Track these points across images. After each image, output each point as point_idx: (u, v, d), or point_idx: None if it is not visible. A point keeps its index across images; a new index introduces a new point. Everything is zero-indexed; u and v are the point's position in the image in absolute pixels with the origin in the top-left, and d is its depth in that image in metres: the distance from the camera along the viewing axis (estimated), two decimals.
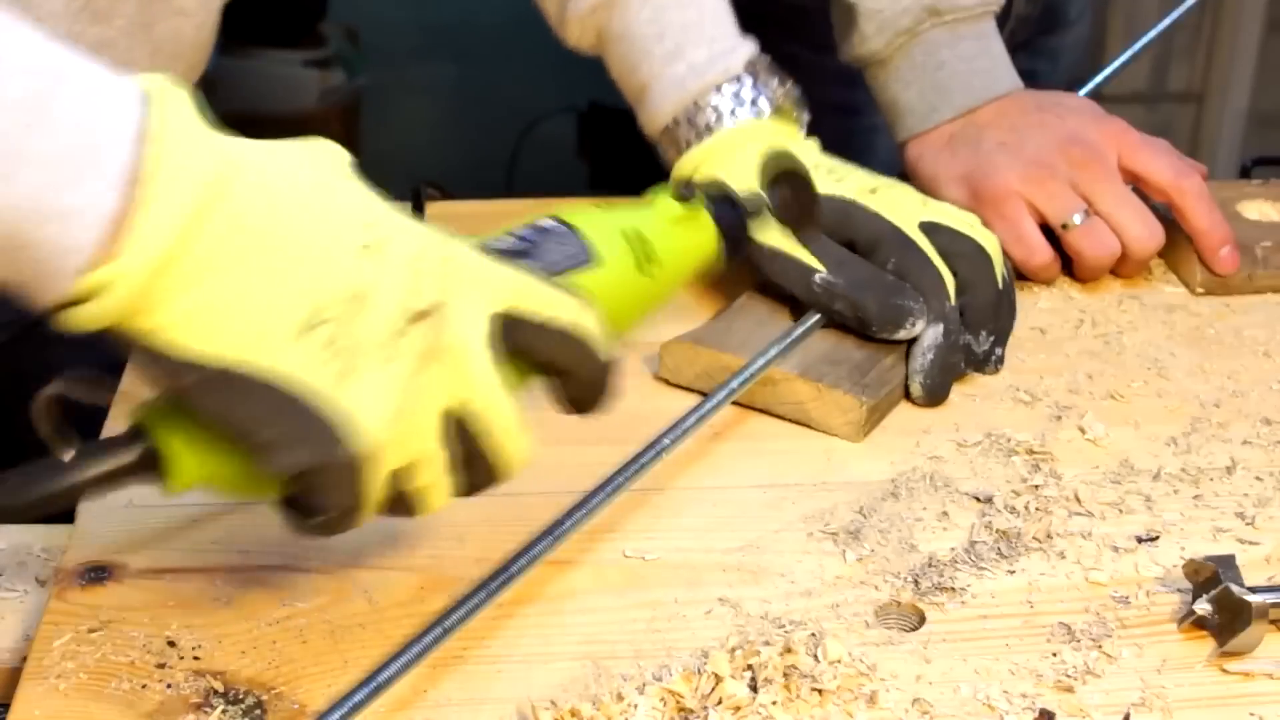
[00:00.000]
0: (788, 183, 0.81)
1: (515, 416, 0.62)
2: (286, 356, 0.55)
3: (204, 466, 0.58)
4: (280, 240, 0.54)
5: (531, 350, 0.63)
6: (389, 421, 0.57)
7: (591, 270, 0.68)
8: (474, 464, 0.62)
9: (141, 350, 0.54)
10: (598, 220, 0.69)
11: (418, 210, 1.06)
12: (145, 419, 0.58)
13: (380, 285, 0.57)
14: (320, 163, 0.58)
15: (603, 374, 0.66)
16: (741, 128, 0.93)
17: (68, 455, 0.56)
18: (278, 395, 0.55)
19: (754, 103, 0.94)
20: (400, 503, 0.61)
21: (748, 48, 0.96)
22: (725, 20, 0.97)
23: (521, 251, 0.67)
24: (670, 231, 0.72)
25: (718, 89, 0.94)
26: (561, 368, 0.64)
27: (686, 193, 0.73)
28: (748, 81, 0.94)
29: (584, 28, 0.98)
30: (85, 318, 0.52)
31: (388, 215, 0.58)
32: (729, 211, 0.76)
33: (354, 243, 0.56)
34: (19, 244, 0.50)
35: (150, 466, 0.58)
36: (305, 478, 0.57)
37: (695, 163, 0.94)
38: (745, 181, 0.86)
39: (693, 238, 0.74)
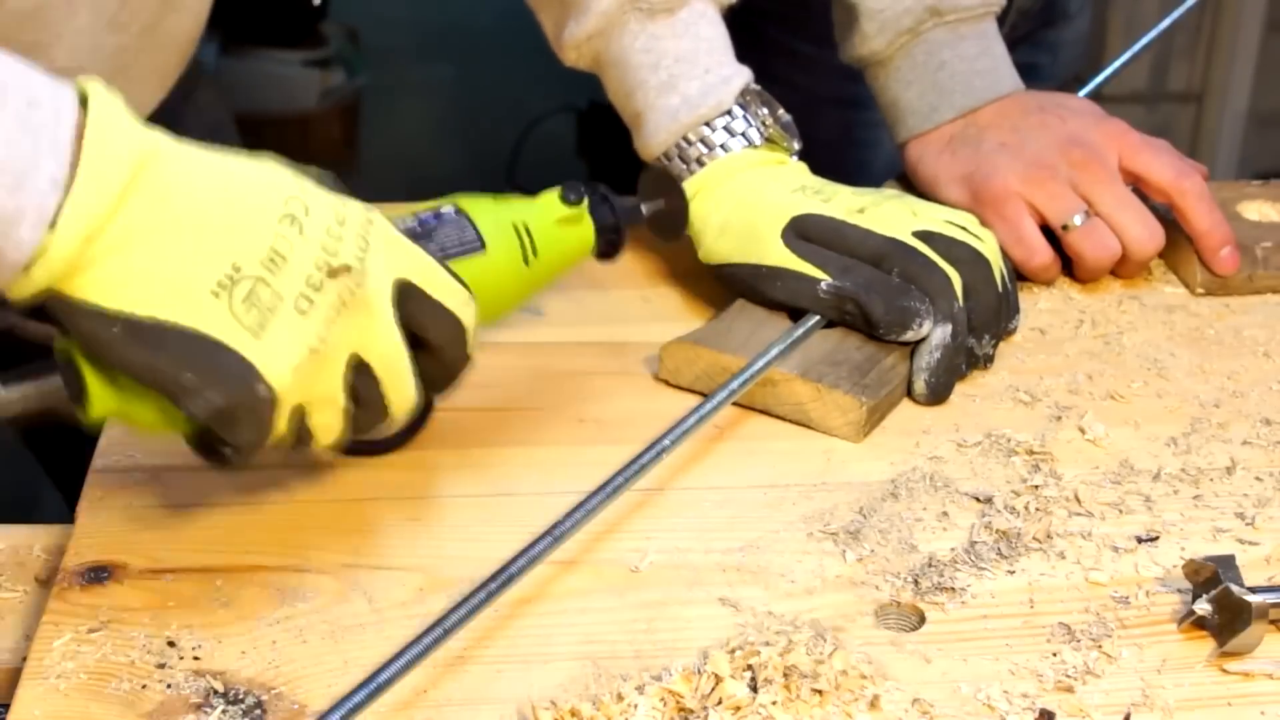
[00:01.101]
0: (662, 190, 0.86)
1: (410, 367, 0.68)
2: (203, 311, 0.61)
3: (119, 401, 0.63)
4: (201, 212, 0.61)
5: (415, 321, 0.68)
6: (299, 367, 0.63)
7: (481, 257, 0.75)
8: (368, 406, 0.68)
9: (69, 312, 0.60)
10: (492, 211, 0.76)
11: None
12: (67, 348, 0.63)
13: (299, 246, 0.63)
14: (257, 159, 0.65)
15: (463, 363, 0.71)
16: (731, 157, 0.94)
17: None
18: (193, 342, 0.61)
19: (744, 134, 0.95)
20: (298, 438, 0.66)
21: (741, 78, 0.96)
22: (720, 48, 0.97)
23: (421, 234, 0.75)
24: (554, 229, 0.78)
25: (708, 124, 0.95)
26: (434, 345, 0.69)
27: (575, 197, 0.79)
28: (739, 114, 0.95)
29: (580, 53, 0.98)
30: (22, 286, 0.58)
31: (312, 189, 0.65)
32: (609, 215, 0.81)
33: (275, 213, 0.63)
34: None
35: (72, 393, 0.63)
36: (218, 417, 0.62)
37: (687, 196, 0.95)
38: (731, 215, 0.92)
39: (573, 236, 0.80)
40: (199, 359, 0.61)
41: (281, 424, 0.64)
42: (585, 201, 0.79)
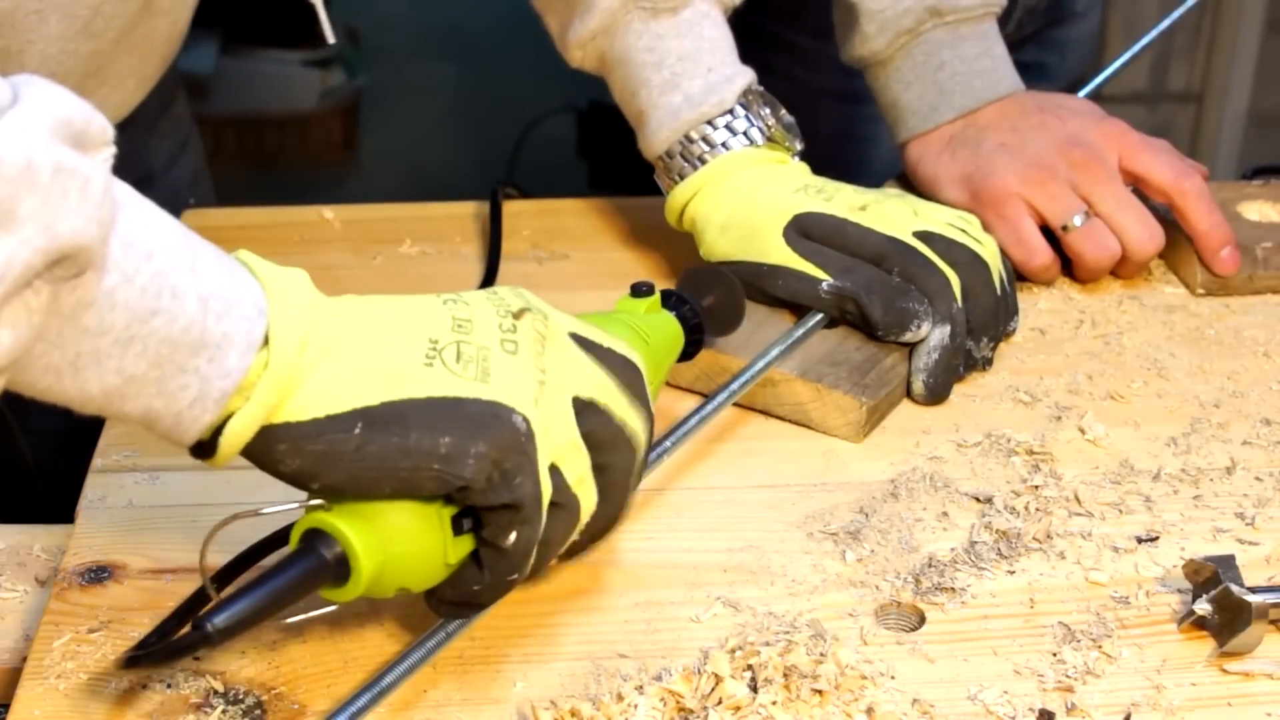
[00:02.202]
0: (712, 285, 0.84)
1: (623, 399, 0.66)
2: (428, 380, 0.60)
3: (383, 546, 0.59)
4: (379, 316, 0.61)
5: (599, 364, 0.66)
6: (536, 398, 0.61)
7: None
8: (617, 443, 0.65)
9: (298, 441, 0.57)
10: (596, 317, 0.74)
11: (495, 209, 1.06)
12: (312, 524, 0.60)
13: (475, 311, 0.63)
14: None
15: (650, 408, 0.69)
16: (732, 155, 0.94)
17: (249, 578, 0.58)
18: (435, 407, 0.59)
19: (745, 133, 0.95)
20: (561, 509, 0.63)
21: (743, 78, 0.96)
22: (723, 49, 0.97)
23: None
24: (647, 319, 0.77)
25: (710, 122, 0.95)
26: (621, 385, 0.67)
27: (645, 290, 0.79)
28: (741, 114, 0.95)
29: (585, 53, 0.99)
30: (239, 426, 0.56)
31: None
32: (687, 310, 0.81)
33: (436, 300, 0.63)
34: (174, 372, 0.55)
35: (333, 567, 0.59)
36: (491, 476, 0.59)
37: (689, 193, 0.95)
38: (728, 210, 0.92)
39: (664, 322, 0.79)
40: (448, 420, 0.59)
41: (545, 480, 0.62)
42: (656, 295, 0.79)
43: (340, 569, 0.59)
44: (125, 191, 0.54)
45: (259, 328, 0.56)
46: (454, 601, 0.64)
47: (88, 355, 0.53)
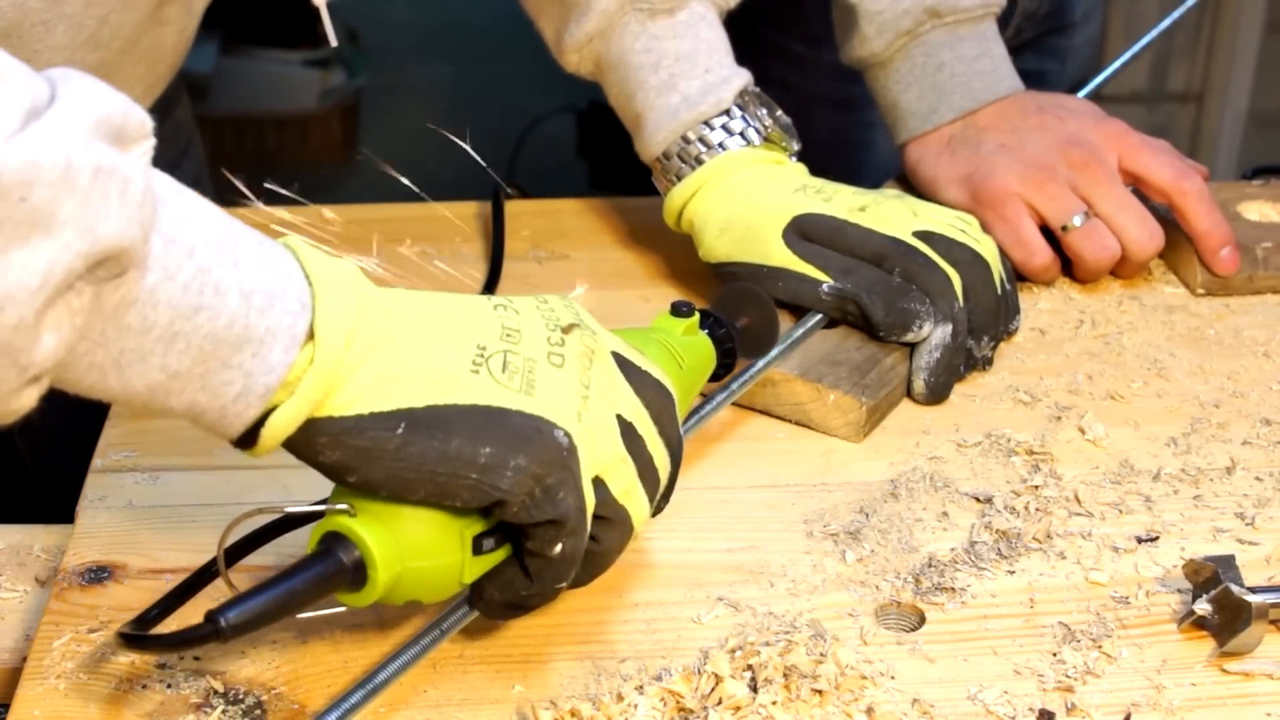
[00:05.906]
0: (746, 306, 0.84)
1: (653, 425, 0.66)
2: (472, 388, 0.60)
3: (402, 558, 0.59)
4: (426, 314, 0.61)
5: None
6: (580, 413, 0.61)
7: None
8: (645, 473, 0.65)
9: (340, 436, 0.57)
10: (633, 334, 0.74)
11: (497, 208, 1.06)
12: (333, 527, 0.60)
13: (524, 319, 0.63)
14: None
15: (679, 434, 0.69)
16: (730, 155, 0.94)
17: (270, 575, 0.58)
18: (477, 415, 0.59)
19: (742, 134, 0.95)
20: (611, 522, 0.64)
21: (740, 79, 0.96)
22: (720, 50, 0.97)
23: None
24: (683, 340, 0.77)
25: (707, 123, 0.95)
26: (654, 414, 0.67)
27: (686, 310, 0.79)
28: (737, 114, 0.95)
29: (581, 56, 0.99)
30: (283, 420, 0.56)
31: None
32: (723, 334, 0.81)
33: (487, 304, 0.64)
34: (218, 368, 0.55)
35: (350, 572, 0.59)
36: (531, 489, 0.59)
37: (687, 194, 0.95)
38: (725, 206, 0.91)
39: (699, 344, 0.79)
40: (491, 430, 0.59)
41: (589, 493, 0.62)
42: (695, 316, 0.79)
43: (357, 575, 0.59)
44: (165, 184, 0.54)
45: (302, 322, 0.56)
46: (503, 604, 0.64)
47: (131, 352, 0.53)
